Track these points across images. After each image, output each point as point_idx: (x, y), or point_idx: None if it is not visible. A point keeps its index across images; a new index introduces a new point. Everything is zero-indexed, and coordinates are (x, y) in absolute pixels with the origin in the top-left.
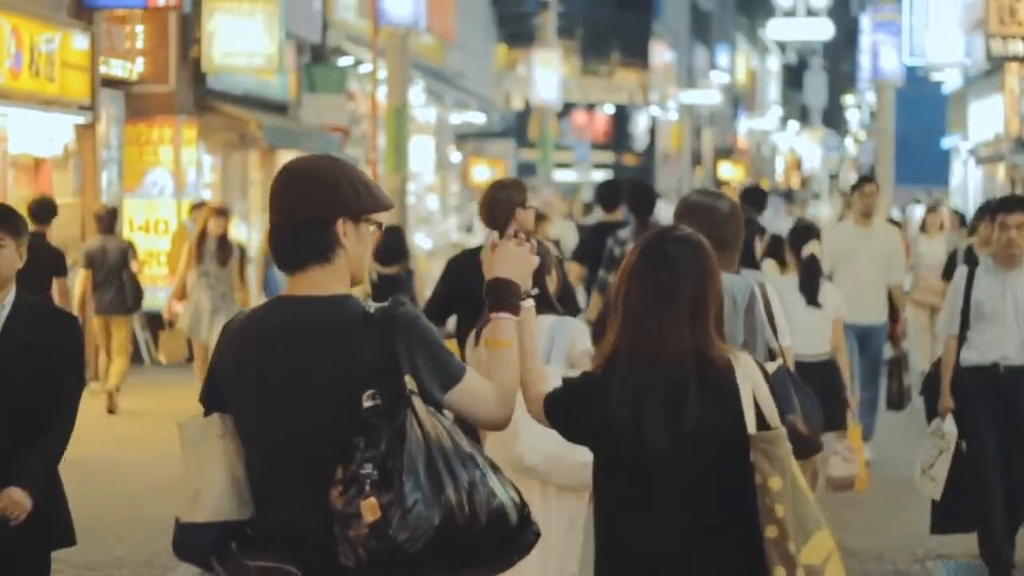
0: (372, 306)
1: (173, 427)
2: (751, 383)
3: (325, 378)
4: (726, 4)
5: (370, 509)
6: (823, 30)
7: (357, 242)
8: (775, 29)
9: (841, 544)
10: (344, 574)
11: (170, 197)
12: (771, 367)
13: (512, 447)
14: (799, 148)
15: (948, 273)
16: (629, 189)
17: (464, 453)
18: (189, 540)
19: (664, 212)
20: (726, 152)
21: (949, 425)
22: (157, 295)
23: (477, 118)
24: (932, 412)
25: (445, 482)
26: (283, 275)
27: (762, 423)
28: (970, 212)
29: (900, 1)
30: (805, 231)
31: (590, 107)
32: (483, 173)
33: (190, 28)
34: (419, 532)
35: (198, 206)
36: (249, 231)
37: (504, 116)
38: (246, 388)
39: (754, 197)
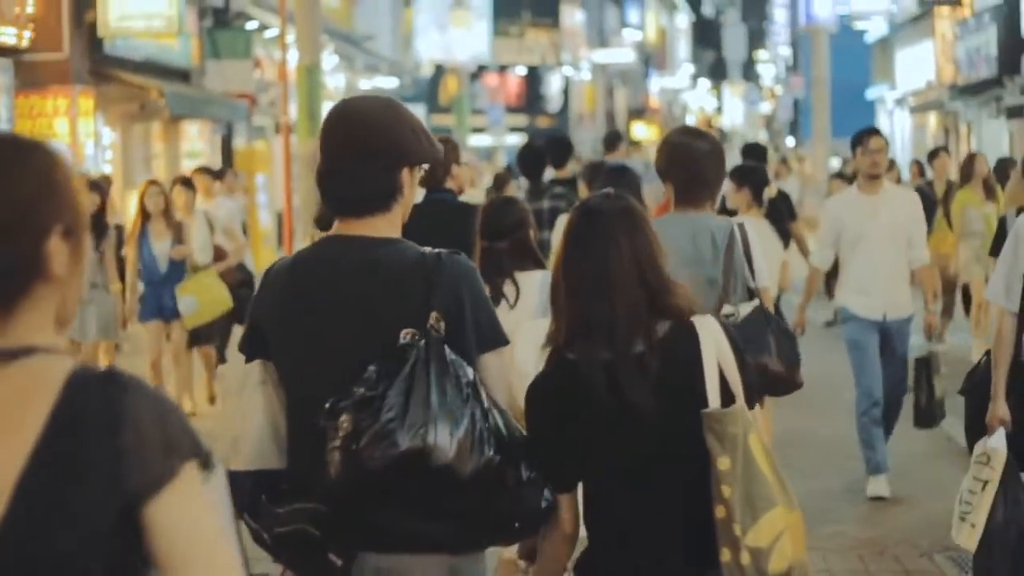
0: (428, 251)
1: None
2: (715, 350)
3: (378, 318)
4: None
5: (345, 422)
6: None
7: (411, 189)
8: None
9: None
10: (365, 521)
11: None
12: (747, 308)
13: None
14: (716, 104)
15: (996, 248)
16: (520, 151)
17: (473, 401)
18: (230, 488)
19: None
20: (639, 112)
21: (998, 440)
22: None
23: (388, 83)
24: (976, 428)
25: (432, 418)
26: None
27: (726, 394)
28: (899, 161)
29: None
30: (752, 172)
31: (502, 69)
32: None
33: None
34: (379, 452)
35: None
36: None
37: (416, 80)
38: (293, 329)
39: (755, 153)
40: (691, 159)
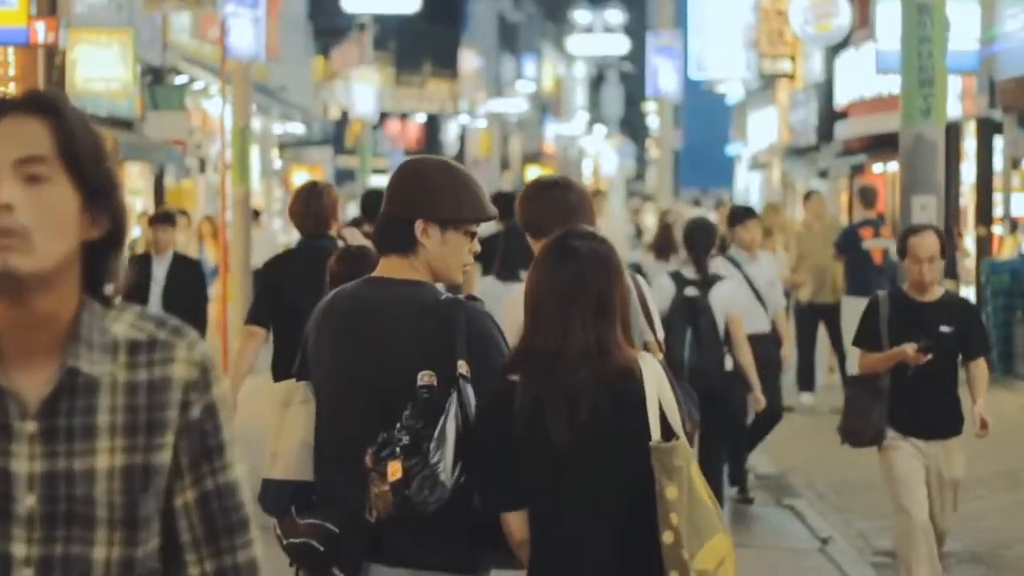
0: (446, 295)
1: None
2: (657, 387)
3: (393, 353)
4: (533, 15)
5: (394, 469)
6: (619, 46)
7: (441, 245)
8: (574, 45)
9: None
10: (374, 537)
11: None
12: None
13: None
14: (601, 154)
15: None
16: (363, 197)
17: None
18: (268, 495)
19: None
20: (534, 156)
21: None
22: None
23: (298, 128)
24: None
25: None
26: None
27: (667, 429)
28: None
29: (682, 26)
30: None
31: (403, 116)
32: (303, 178)
33: (55, 56)
34: (432, 498)
35: None
36: None
37: (324, 125)
38: (323, 356)
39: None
40: (566, 211)
